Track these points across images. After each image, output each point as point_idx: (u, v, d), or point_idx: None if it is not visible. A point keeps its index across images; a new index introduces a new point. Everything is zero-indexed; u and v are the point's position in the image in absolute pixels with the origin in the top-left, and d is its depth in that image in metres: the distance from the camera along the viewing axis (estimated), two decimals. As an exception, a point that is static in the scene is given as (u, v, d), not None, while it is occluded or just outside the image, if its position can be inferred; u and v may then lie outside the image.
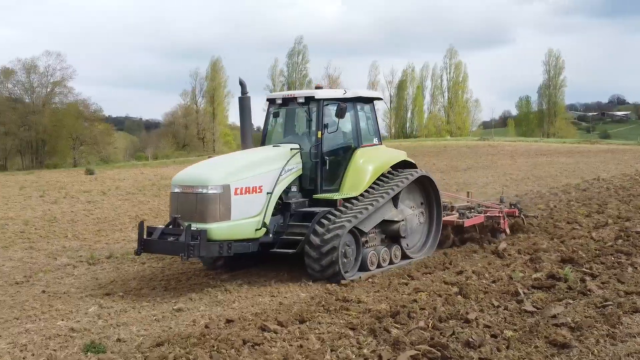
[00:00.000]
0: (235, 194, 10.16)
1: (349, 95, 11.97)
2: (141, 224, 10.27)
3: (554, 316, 7.76)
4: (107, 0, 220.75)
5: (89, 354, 7.15)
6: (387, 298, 9.09)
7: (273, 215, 10.85)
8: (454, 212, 14.17)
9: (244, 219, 10.30)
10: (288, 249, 10.76)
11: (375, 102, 12.91)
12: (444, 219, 13.27)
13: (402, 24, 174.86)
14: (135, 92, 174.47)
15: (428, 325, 7.50)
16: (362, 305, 8.69)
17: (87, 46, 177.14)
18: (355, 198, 11.53)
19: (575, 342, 6.88)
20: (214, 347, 6.99)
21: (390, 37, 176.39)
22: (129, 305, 9.35)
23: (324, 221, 10.69)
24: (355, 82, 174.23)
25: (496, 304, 8.44)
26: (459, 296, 8.89)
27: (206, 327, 7.96)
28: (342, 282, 10.33)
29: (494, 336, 7.14)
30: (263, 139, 12.47)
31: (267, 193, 10.65)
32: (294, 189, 11.36)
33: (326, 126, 11.47)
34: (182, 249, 9.52)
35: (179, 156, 73.48)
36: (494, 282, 9.74)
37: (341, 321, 7.98)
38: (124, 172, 37.65)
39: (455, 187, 25.11)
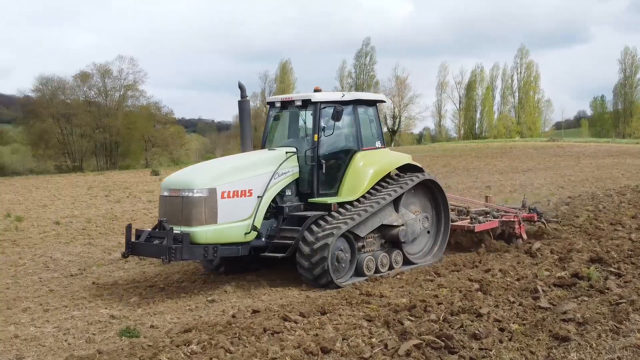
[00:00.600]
0: (222, 197, 10.09)
1: (347, 98, 11.81)
2: (128, 227, 10.36)
3: (565, 312, 8.00)
4: (179, 4, 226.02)
5: (123, 338, 7.84)
6: (409, 293, 9.47)
7: (266, 219, 10.83)
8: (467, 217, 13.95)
9: (232, 223, 10.22)
10: (279, 253, 10.61)
11: (378, 104, 12.75)
12: (454, 223, 13.17)
13: (473, 23, 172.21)
14: (207, 94, 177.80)
15: (439, 318, 7.86)
16: (384, 300, 9.10)
17: (160, 50, 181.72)
18: (353, 202, 11.38)
19: (577, 336, 7.14)
20: (236, 334, 7.55)
21: (460, 37, 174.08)
22: (167, 296, 10.07)
23: (315, 227, 10.48)
24: (423, 83, 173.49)
25: (512, 300, 8.71)
26: (479, 292, 9.18)
27: (233, 316, 8.56)
28: (338, 287, 10.30)
29: (501, 329, 7.44)
30: (263, 142, 12.37)
31: (258, 197, 10.56)
32: (288, 192, 11.26)
33: (323, 129, 11.32)
34: (165, 252, 9.54)
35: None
36: (518, 280, 9.98)
37: (360, 313, 8.42)
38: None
39: (509, 189, 25.17)
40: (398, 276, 10.96)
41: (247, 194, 10.46)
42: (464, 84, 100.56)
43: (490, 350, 6.78)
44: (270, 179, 10.76)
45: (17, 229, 17.33)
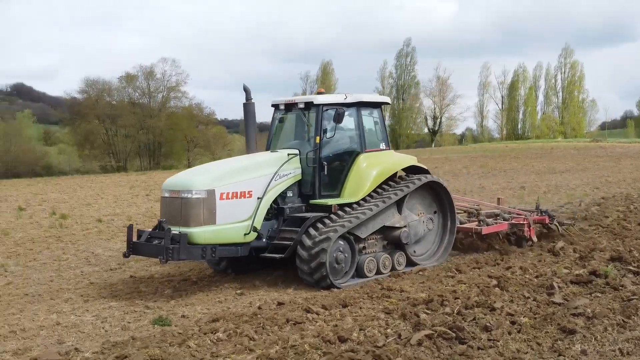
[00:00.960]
0: (221, 198, 10.22)
1: (349, 100, 11.76)
2: (130, 228, 10.55)
3: (576, 307, 8.30)
4: (221, 6, 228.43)
5: (156, 326, 8.40)
6: (429, 288, 9.84)
7: (268, 220, 10.94)
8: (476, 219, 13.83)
9: (231, 224, 10.35)
10: (278, 254, 10.71)
11: (383, 106, 12.79)
12: (462, 225, 13.21)
13: (518, 22, 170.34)
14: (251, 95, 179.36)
15: (453, 311, 8.24)
16: (404, 294, 9.49)
17: (203, 51, 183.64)
18: (356, 203, 11.40)
19: (584, 329, 7.47)
20: (260, 324, 8.05)
21: (504, 37, 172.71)
22: (199, 289, 10.62)
23: (312, 231, 10.49)
24: (465, 83, 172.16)
25: (527, 295, 9.04)
26: (497, 288, 9.51)
27: (259, 308, 9.06)
28: (339, 288, 10.37)
29: (512, 322, 7.79)
30: (268, 144, 12.40)
31: (258, 198, 10.65)
32: (290, 194, 11.32)
33: (325, 131, 11.36)
34: (162, 252, 9.73)
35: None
36: (536, 277, 10.25)
37: (379, 306, 8.83)
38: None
39: (543, 189, 25.25)
40: (420, 272, 11.29)
41: (247, 195, 10.58)
42: (507, 84, 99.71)
43: (498, 341, 7.15)
44: (271, 181, 10.84)
45: (61, 226, 18.16)
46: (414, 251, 12.23)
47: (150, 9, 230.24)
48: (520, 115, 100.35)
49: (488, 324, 7.67)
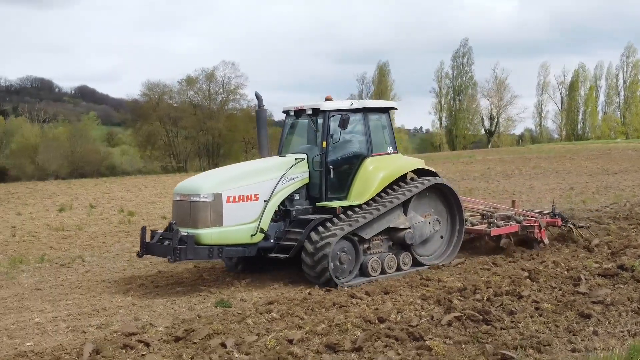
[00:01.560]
0: (228, 201, 10.65)
1: (355, 106, 12.12)
2: (143, 229, 11.02)
3: (597, 296, 9.09)
4: (279, 8, 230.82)
5: (218, 307, 9.53)
6: (465, 279, 10.70)
7: (275, 221, 11.36)
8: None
9: (238, 225, 10.77)
10: (283, 254, 11.10)
11: (391, 111, 12.96)
12: (472, 227, 13.50)
13: (579, 21, 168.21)
14: (306, 96, 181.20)
15: (483, 298, 9.12)
16: (441, 284, 10.38)
17: (261, 53, 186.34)
18: (360, 206, 11.71)
19: (600, 314, 8.29)
20: (310, 306, 9.09)
21: (565, 35, 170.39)
22: (256, 277, 11.70)
23: (319, 230, 10.92)
24: (523, 83, 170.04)
25: (554, 286, 9.82)
26: (528, 279, 10.29)
27: (309, 293, 10.12)
28: (342, 286, 10.68)
29: (536, 308, 8.63)
30: (280, 148, 12.74)
31: (264, 201, 11.06)
32: (297, 196, 11.68)
33: (332, 136, 11.71)
34: (170, 252, 10.24)
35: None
36: (567, 270, 10.98)
37: (417, 294, 9.76)
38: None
39: (592, 190, 25.60)
40: (458, 265, 12.11)
41: (253, 198, 11.00)
42: (566, 84, 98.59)
43: (520, 323, 8.02)
44: (277, 184, 11.24)
45: (129, 222, 19.59)
46: (421, 252, 12.49)
47: (208, 11, 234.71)
48: (580, 116, 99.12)
49: (513, 309, 8.54)
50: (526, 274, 10.66)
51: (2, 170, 65.48)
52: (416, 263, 12.25)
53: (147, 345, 7.43)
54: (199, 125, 71.43)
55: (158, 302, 10.03)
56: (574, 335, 7.62)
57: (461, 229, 12.95)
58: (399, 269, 11.87)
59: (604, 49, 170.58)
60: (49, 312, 9.49)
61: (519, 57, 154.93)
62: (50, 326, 8.74)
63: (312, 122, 12.18)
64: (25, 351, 7.47)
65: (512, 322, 8.09)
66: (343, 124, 11.51)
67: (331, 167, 11.68)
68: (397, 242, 11.99)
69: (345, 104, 12.13)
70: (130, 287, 11.12)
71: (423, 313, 8.56)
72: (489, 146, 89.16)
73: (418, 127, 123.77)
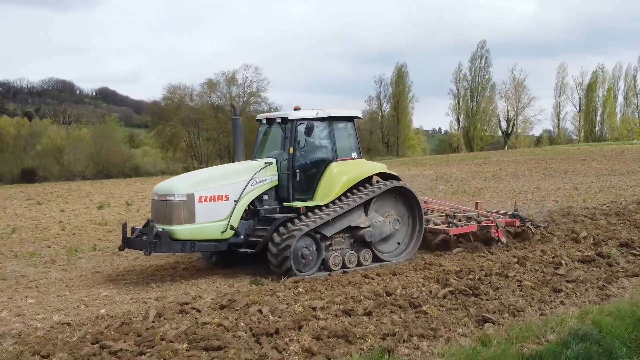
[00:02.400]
0: (200, 201, 11.70)
1: (321, 115, 13.02)
2: (124, 225, 12.05)
3: (572, 276, 10.84)
4: (299, 9, 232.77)
5: (253, 285, 11.36)
6: (462, 264, 12.40)
7: (245, 220, 12.41)
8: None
9: (209, 223, 11.83)
10: (251, 249, 12.16)
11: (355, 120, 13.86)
12: (433, 227, 14.45)
13: (599, 21, 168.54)
14: (324, 97, 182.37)
15: (475, 278, 10.88)
16: (441, 267, 12.11)
17: (280, 54, 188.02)
18: (325, 206, 12.68)
19: (570, 290, 10.03)
20: (329, 284, 10.90)
21: (585, 36, 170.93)
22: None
23: (282, 229, 11.94)
24: (541, 84, 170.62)
25: (537, 269, 11.55)
26: (516, 264, 12.01)
27: (329, 274, 11.93)
28: (303, 278, 11.54)
29: (519, 286, 10.38)
30: (253, 154, 13.71)
31: (234, 201, 12.09)
32: (266, 197, 12.70)
33: (298, 142, 12.67)
34: (146, 245, 11.35)
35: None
36: (553, 257, 12.66)
37: (421, 275, 11.50)
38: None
39: (595, 190, 27.06)
40: (458, 253, 13.79)
41: (224, 198, 12.05)
42: (584, 85, 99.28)
43: (502, 296, 9.78)
44: (246, 186, 12.30)
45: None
46: (382, 249, 13.41)
47: (227, 13, 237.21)
48: (598, 117, 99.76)
49: (499, 286, 10.32)
50: (515, 260, 12.39)
51: (31, 171, 67.86)
52: (377, 259, 13.20)
53: (199, 311, 9.25)
54: (220, 127, 73.10)
55: (202, 281, 11.88)
56: (544, 304, 9.39)
57: (421, 229, 13.84)
58: (359, 264, 12.82)
59: (623, 50, 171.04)
60: (112, 289, 11.37)
61: (537, 58, 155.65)
62: (117, 298, 10.65)
63: (281, 129, 13.13)
64: (102, 315, 9.34)
65: (496, 295, 9.86)
66: (308, 131, 12.52)
67: (297, 170, 12.70)
68: (358, 239, 12.92)
69: (311, 113, 13.08)
70: (176, 270, 12.98)
71: (423, 288, 10.32)
72: (506, 147, 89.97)
73: (437, 128, 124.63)
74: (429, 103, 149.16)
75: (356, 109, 14.10)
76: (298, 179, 12.73)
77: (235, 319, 8.72)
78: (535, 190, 27.81)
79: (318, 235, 12.26)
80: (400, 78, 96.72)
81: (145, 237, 11.65)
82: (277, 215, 12.46)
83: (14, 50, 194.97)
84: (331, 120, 13.23)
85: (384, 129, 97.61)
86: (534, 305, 9.32)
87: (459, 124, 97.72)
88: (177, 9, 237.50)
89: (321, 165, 13.07)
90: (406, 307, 9.20)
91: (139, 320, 8.81)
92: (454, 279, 10.90)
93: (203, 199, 11.80)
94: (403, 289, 10.38)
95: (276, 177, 12.85)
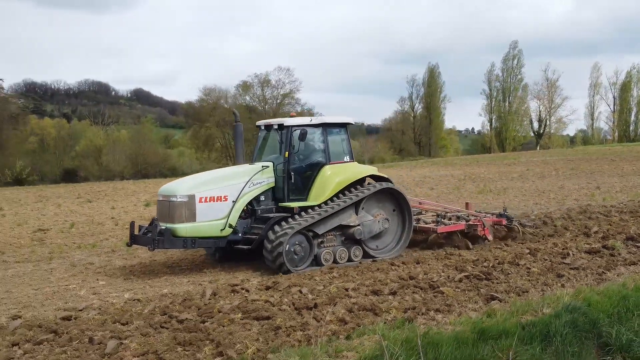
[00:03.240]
0: (200, 201, 12.58)
1: (314, 122, 13.91)
2: (132, 224, 13.04)
3: (576, 264, 12.19)
4: (332, 10, 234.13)
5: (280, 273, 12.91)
6: (480, 254, 13.79)
7: (243, 218, 13.27)
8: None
9: (209, 221, 12.71)
10: (248, 246, 13.07)
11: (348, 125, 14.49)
12: (421, 225, 15.32)
13: (636, 20, 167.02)
14: (357, 97, 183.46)
15: (489, 265, 12.29)
16: (460, 257, 13.52)
17: (313, 54, 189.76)
18: (317, 206, 13.48)
19: (571, 275, 11.39)
20: (360, 270, 12.43)
21: (620, 35, 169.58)
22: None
23: (276, 227, 12.72)
24: (575, 84, 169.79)
25: (547, 258, 12.91)
26: (528, 255, 13.39)
27: (360, 263, 13.43)
28: (296, 273, 12.43)
29: (527, 272, 11.76)
30: (253, 157, 14.51)
31: (232, 201, 12.96)
32: (263, 198, 13.54)
33: (293, 147, 13.48)
34: (150, 242, 12.36)
35: (393, 160, 79.54)
36: (563, 249, 13.99)
37: (441, 263, 12.92)
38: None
39: (616, 189, 28.06)
40: (476, 245, 15.14)
41: (223, 199, 12.94)
42: (619, 85, 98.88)
43: (511, 280, 11.18)
44: (244, 187, 13.15)
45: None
46: (372, 246, 14.21)
47: (260, 14, 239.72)
48: (633, 117, 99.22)
49: (509, 272, 11.73)
50: (528, 251, 13.75)
51: (72, 171, 70.28)
52: (367, 255, 14.00)
53: (247, 291, 10.82)
54: (254, 128, 74.31)
55: (248, 267, 13.44)
56: (547, 286, 10.78)
57: (410, 227, 14.64)
58: (350, 260, 13.64)
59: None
60: (170, 274, 12.99)
61: (571, 57, 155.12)
62: (176, 280, 12.29)
63: (278, 135, 13.99)
64: (165, 293, 10.95)
65: (505, 279, 11.27)
66: (302, 137, 13.36)
67: (292, 173, 13.55)
68: (349, 237, 13.74)
69: (306, 120, 14.02)
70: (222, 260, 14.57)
71: (442, 274, 11.77)
72: (537, 148, 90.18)
73: (470, 129, 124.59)
74: (462, 103, 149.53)
75: (348, 116, 14.85)
76: (293, 180, 13.60)
77: (280, 297, 10.26)
78: (559, 190, 28.90)
79: (310, 233, 13.13)
80: (432, 79, 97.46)
81: (150, 234, 12.59)
82: (272, 215, 13.29)
83: (52, 52, 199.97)
84: (325, 126, 14.08)
85: (416, 130, 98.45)
86: (537, 287, 10.71)
87: (491, 125, 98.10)
88: (210, 10, 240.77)
89: (315, 168, 13.90)
90: (426, 289, 10.67)
91: (198, 298, 10.40)
92: (471, 267, 12.33)
93: (203, 200, 12.70)
94: (425, 274, 11.82)
95: (273, 179, 13.69)
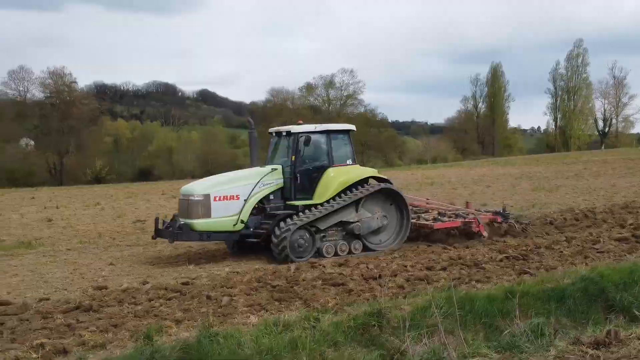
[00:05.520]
0: (215, 200, 14.16)
1: (319, 129, 15.38)
2: (156, 219, 14.70)
3: (603, 248, 14.22)
4: (395, 9, 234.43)
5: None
6: (522, 241, 15.79)
7: (254, 215, 14.69)
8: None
9: (223, 218, 14.23)
10: (257, 239, 14.59)
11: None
12: (420, 222, 16.47)
13: None
14: (420, 96, 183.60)
15: (527, 250, 14.37)
16: (505, 244, 15.54)
17: (376, 54, 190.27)
18: (320, 204, 14.84)
19: (596, 256, 13.45)
20: (417, 252, 14.79)
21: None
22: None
23: (282, 223, 14.12)
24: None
25: (579, 244, 14.90)
26: (564, 242, 15.27)
27: (417, 246, 15.75)
28: (299, 263, 13.75)
29: (560, 255, 13.83)
30: (267, 161, 16.01)
31: (244, 200, 14.45)
32: (272, 197, 14.97)
33: (299, 151, 14.99)
34: (171, 235, 14.19)
35: (456, 159, 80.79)
36: (597, 237, 15.83)
37: (487, 248, 15.02)
38: (394, 173, 46.53)
39: (635, 189, 29.41)
40: (520, 236, 17.03)
41: (235, 198, 14.46)
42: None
43: (544, 260, 13.31)
44: (254, 188, 14.63)
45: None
46: (372, 240, 15.47)
47: (324, 15, 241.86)
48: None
49: (544, 254, 13.86)
50: (564, 239, 15.79)
51: (146, 170, 74.08)
52: (367, 249, 15.31)
53: (324, 267, 13.28)
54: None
55: (265, 259, 15.87)
56: (572, 265, 12.86)
57: (407, 223, 15.87)
58: (350, 252, 14.99)
59: None
60: (258, 255, 15.46)
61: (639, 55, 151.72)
62: (264, 258, 14.81)
63: (286, 141, 15.55)
64: (257, 268, 13.52)
65: (539, 260, 13.40)
66: (307, 142, 14.96)
67: (298, 175, 15.02)
68: (349, 232, 15.07)
69: (311, 127, 15.47)
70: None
71: (486, 255, 13.98)
72: (602, 147, 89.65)
73: (535, 127, 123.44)
74: (528, 101, 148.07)
75: (349, 125, 16.69)
76: (299, 181, 15.07)
77: (350, 271, 12.71)
78: (610, 188, 30.30)
79: (313, 228, 14.54)
80: (495, 78, 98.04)
81: (171, 228, 14.37)
82: (279, 212, 14.78)
83: (120, 54, 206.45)
84: (329, 132, 15.55)
85: (479, 129, 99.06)
86: (564, 266, 12.82)
87: (556, 124, 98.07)
88: (272, 11, 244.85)
89: (320, 170, 15.33)
90: (471, 266, 12.96)
91: (284, 271, 12.93)
92: (512, 250, 14.48)
93: (218, 198, 14.29)
94: (472, 256, 14.04)
95: (281, 180, 15.13)
